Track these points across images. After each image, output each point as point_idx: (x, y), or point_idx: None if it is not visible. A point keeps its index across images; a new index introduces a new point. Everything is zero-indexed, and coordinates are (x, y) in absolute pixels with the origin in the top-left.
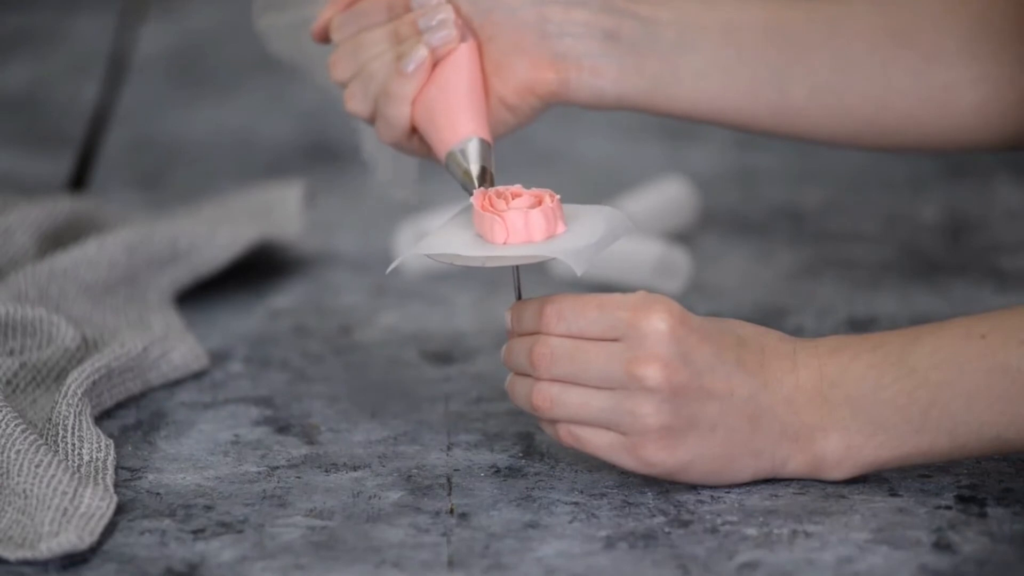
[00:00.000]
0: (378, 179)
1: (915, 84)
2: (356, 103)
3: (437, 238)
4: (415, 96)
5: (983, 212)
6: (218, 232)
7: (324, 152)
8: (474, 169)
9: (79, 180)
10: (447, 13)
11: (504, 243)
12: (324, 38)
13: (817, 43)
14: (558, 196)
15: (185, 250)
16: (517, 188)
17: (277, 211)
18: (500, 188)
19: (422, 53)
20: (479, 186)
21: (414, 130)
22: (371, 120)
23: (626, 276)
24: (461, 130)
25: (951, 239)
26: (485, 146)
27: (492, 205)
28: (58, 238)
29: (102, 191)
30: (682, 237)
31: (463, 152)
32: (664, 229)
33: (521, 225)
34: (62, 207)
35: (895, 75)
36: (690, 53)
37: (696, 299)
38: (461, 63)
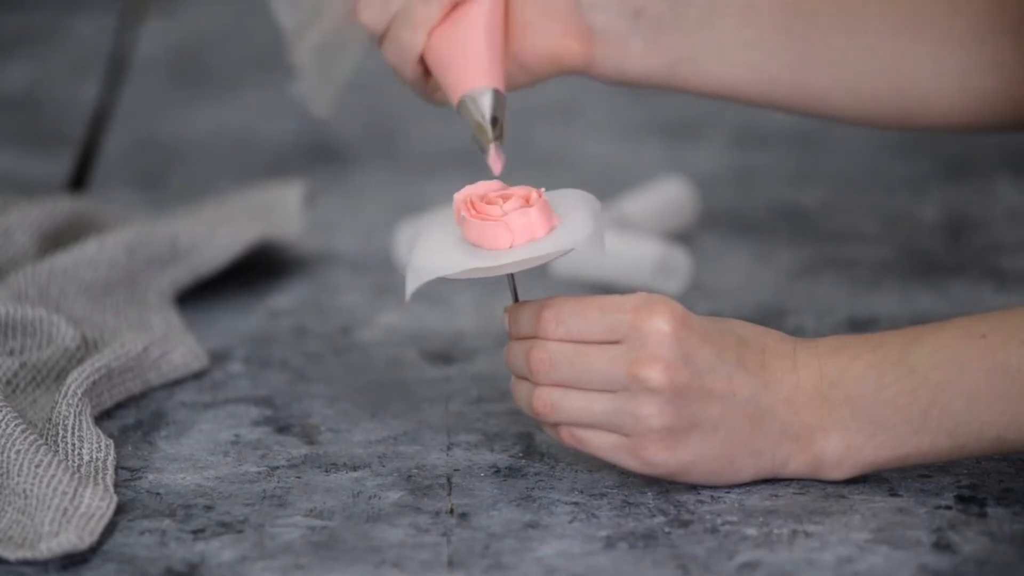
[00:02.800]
0: (299, 90)
1: (932, 68)
2: (371, 14)
3: (437, 255)
4: (434, 27)
5: (983, 212)
6: (218, 232)
7: (324, 152)
8: (488, 120)
9: (79, 180)
10: None
11: (510, 246)
12: None
13: (834, 26)
14: (542, 189)
15: (185, 250)
16: (496, 186)
17: (277, 211)
18: (482, 193)
19: None
20: (493, 138)
21: (420, 60)
22: (379, 37)
23: (626, 276)
24: (478, 77)
25: (951, 239)
26: (500, 98)
27: (481, 211)
28: (58, 238)
29: (102, 191)
30: (682, 237)
31: (477, 100)
32: (664, 229)
33: (524, 225)
34: (62, 207)
35: (912, 58)
36: (712, 31)
37: (696, 299)
38: (487, 9)
